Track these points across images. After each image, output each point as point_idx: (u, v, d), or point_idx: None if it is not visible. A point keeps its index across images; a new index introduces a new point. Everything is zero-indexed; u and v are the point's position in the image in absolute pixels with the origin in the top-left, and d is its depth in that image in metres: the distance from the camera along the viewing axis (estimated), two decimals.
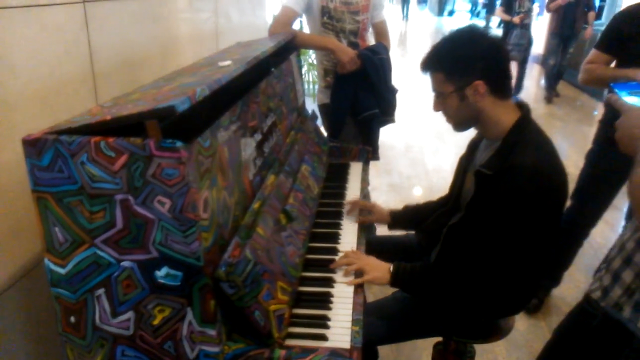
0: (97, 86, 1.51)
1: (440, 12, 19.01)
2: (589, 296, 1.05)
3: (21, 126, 1.16)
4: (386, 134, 5.15)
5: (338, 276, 1.39)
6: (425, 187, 3.94)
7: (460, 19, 18.25)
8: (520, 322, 2.45)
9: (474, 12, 16.80)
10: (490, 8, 16.36)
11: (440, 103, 1.39)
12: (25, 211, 1.17)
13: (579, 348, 1.09)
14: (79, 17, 1.40)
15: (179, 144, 0.87)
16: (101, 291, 0.99)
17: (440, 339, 1.68)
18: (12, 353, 1.22)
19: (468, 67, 1.31)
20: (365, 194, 1.94)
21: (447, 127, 1.45)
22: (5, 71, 1.14)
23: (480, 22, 16.68)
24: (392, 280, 1.41)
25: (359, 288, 1.35)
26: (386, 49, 2.40)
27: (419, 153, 4.75)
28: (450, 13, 19.45)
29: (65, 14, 1.34)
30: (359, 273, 1.41)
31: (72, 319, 1.02)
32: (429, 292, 1.42)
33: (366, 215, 1.77)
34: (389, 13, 16.72)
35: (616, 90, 0.96)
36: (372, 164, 4.21)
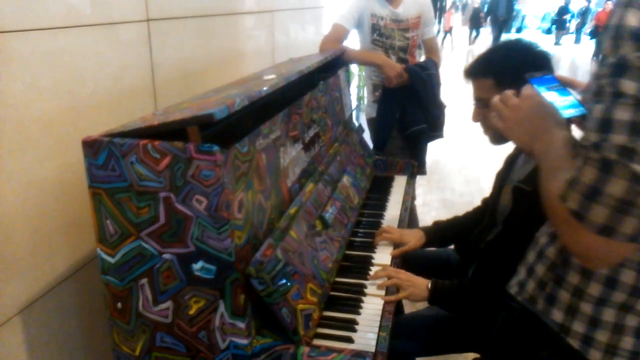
0: (157, 97, 1.65)
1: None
2: (507, 291, 1.04)
3: (86, 130, 1.30)
4: (442, 151, 5.14)
5: (370, 283, 1.43)
6: (477, 204, 3.87)
7: (528, 36, 17.72)
8: None
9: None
10: (560, 24, 15.79)
11: (483, 112, 1.37)
12: (86, 206, 1.31)
13: (507, 342, 1.08)
14: (143, 34, 1.55)
15: (215, 148, 0.96)
16: (144, 280, 1.09)
17: (476, 355, 1.67)
18: (69, 335, 1.35)
19: (519, 74, 1.31)
20: (407, 206, 1.97)
21: (503, 145, 1.44)
22: (76, 81, 1.29)
23: (550, 39, 16.12)
24: (430, 297, 1.41)
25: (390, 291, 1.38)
26: (435, 65, 2.43)
27: (474, 171, 4.67)
28: (519, 30, 18.94)
29: (130, 31, 1.49)
30: (395, 289, 1.41)
31: (119, 305, 1.13)
32: (466, 310, 1.41)
33: (400, 246, 1.68)
34: (458, 42, 15.60)
35: (534, 84, 0.94)
36: (425, 179, 4.22)
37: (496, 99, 0.98)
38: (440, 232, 1.76)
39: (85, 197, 1.10)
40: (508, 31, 13.58)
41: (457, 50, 14.24)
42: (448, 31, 14.86)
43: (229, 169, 1.03)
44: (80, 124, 1.31)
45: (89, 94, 1.33)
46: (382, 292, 1.39)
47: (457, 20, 18.14)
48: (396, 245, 1.66)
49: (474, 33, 14.60)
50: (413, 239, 1.70)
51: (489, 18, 14.48)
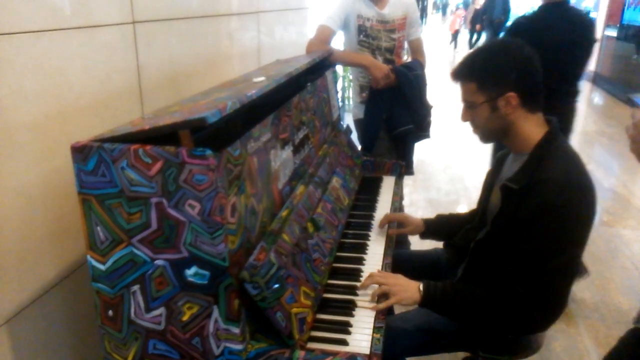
0: (143, 100, 1.63)
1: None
2: None
3: (73, 135, 1.28)
4: (426, 150, 5.17)
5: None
6: (463, 203, 3.91)
7: None
8: (558, 343, 2.39)
9: None
10: None
11: (469, 113, 1.39)
12: (74, 213, 1.28)
13: None
14: (129, 37, 1.53)
15: (208, 152, 0.94)
16: (136, 287, 1.07)
17: (467, 353, 1.68)
18: (58, 345, 1.32)
19: (501, 78, 1.31)
20: (396, 207, 1.97)
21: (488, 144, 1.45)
22: (62, 85, 1.26)
23: None
24: (423, 300, 1.37)
25: (382, 297, 1.38)
26: (421, 66, 2.44)
27: (459, 169, 4.71)
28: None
29: (116, 33, 1.46)
30: (385, 295, 1.36)
31: (110, 312, 1.11)
32: (460, 313, 1.39)
33: (400, 228, 1.79)
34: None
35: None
36: (411, 179, 4.25)
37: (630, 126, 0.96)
38: (440, 225, 1.78)
39: (73, 203, 1.08)
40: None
41: (443, 52, 14.31)
42: (454, 34, 14.26)
43: (222, 172, 1.02)
44: (68, 128, 1.29)
45: (76, 97, 1.31)
46: (373, 304, 1.34)
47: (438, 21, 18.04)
48: (399, 225, 1.79)
49: (475, 36, 14.26)
50: (413, 224, 1.78)
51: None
